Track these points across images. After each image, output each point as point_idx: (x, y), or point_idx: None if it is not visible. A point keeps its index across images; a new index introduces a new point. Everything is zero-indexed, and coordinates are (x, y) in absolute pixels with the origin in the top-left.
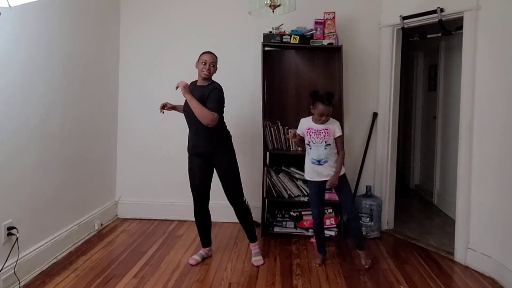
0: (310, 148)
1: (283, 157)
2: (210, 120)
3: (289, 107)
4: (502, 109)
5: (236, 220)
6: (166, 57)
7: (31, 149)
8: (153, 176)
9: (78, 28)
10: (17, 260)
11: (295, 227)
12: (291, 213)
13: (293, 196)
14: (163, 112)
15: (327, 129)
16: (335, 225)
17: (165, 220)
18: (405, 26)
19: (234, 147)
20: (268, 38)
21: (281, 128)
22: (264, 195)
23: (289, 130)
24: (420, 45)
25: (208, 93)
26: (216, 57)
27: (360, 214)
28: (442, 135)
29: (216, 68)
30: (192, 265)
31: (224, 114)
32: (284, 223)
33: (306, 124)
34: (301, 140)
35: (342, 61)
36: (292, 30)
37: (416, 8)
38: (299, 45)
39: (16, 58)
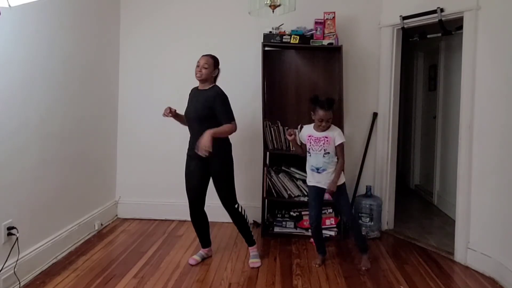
0: (310, 156)
1: (283, 157)
2: (233, 130)
3: (289, 107)
4: (502, 109)
5: None
6: (166, 57)
7: (31, 149)
8: (153, 176)
9: (78, 28)
10: (17, 260)
11: (295, 227)
12: (291, 213)
13: (293, 196)
14: (167, 115)
15: (326, 137)
16: (335, 225)
17: (165, 220)
18: (405, 26)
19: (235, 147)
20: (268, 38)
21: (281, 128)
22: (264, 195)
23: (289, 130)
24: (420, 45)
25: (211, 98)
26: (213, 59)
27: (360, 214)
28: (442, 135)
29: (214, 70)
30: (192, 265)
31: None
32: (284, 223)
33: (307, 132)
34: (299, 143)
35: (342, 61)
36: (292, 30)
37: (416, 8)
38: (299, 45)
39: (16, 58)
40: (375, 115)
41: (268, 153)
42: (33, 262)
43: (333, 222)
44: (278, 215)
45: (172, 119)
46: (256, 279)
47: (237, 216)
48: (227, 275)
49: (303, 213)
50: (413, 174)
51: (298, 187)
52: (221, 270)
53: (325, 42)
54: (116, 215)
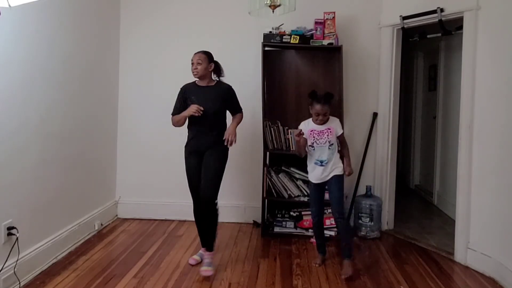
0: (314, 149)
1: (283, 157)
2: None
3: (289, 107)
4: (502, 109)
5: (236, 220)
6: (166, 57)
7: (31, 149)
8: (153, 176)
9: (78, 28)
10: (17, 260)
11: (295, 227)
12: (291, 213)
13: (293, 196)
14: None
15: (329, 129)
16: (335, 225)
17: (165, 220)
18: (405, 26)
19: (235, 146)
20: (268, 38)
21: (281, 128)
22: (264, 195)
23: (292, 130)
24: (420, 45)
25: (225, 93)
26: (206, 54)
27: (360, 214)
28: (442, 135)
29: (209, 64)
30: (192, 265)
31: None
32: (284, 223)
33: (307, 127)
34: (304, 145)
35: (342, 61)
36: (292, 30)
37: (416, 8)
38: (299, 45)
39: (16, 58)
40: (375, 115)
41: (268, 153)
42: (33, 262)
43: (333, 222)
44: (278, 215)
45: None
46: (256, 279)
47: (213, 213)
48: (227, 275)
49: (303, 213)
50: (413, 174)
51: (298, 187)
52: (221, 270)
53: (325, 42)
54: (116, 215)
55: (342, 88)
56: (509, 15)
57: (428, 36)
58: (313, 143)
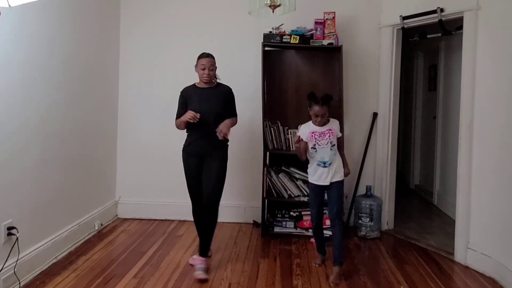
0: (316, 151)
1: (283, 157)
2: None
3: (289, 107)
4: (502, 109)
5: (236, 220)
6: (166, 57)
7: (31, 149)
8: (153, 176)
9: (78, 28)
10: (17, 260)
11: (295, 227)
12: (291, 213)
13: (293, 196)
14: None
15: (330, 129)
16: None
17: (165, 220)
18: (405, 26)
19: (235, 147)
20: (268, 38)
21: (281, 128)
22: (264, 195)
23: (292, 130)
24: (420, 45)
25: (227, 95)
26: (214, 58)
27: (360, 214)
28: (442, 135)
29: (215, 67)
30: (192, 265)
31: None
32: (284, 223)
33: (308, 129)
34: (305, 148)
35: (342, 61)
36: (292, 30)
37: (416, 8)
38: (299, 45)
39: (16, 58)
40: (375, 115)
41: (268, 153)
42: (33, 262)
43: None
44: (278, 215)
45: (172, 112)
46: (256, 279)
47: (215, 216)
48: (227, 275)
49: (303, 213)
50: (413, 174)
51: (298, 187)
52: (221, 270)
53: (325, 42)
54: (116, 215)
55: (342, 88)
56: (509, 15)
57: (428, 36)
58: (315, 145)
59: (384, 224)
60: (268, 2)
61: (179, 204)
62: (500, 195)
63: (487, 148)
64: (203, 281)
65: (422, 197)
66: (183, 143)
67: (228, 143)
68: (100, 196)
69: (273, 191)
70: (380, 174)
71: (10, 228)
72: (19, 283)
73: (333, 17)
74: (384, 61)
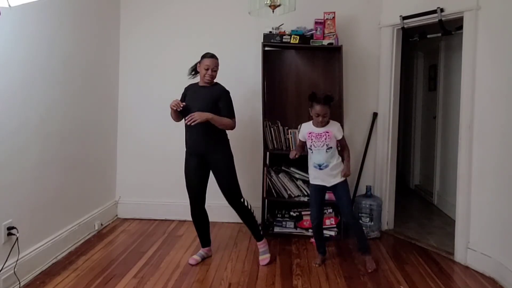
0: (312, 153)
1: (283, 157)
2: (232, 127)
3: (289, 107)
4: (502, 109)
5: (236, 220)
6: (166, 57)
7: (31, 149)
8: (153, 176)
9: (78, 28)
10: (17, 260)
11: (295, 227)
12: (291, 213)
13: (293, 196)
14: (178, 108)
15: (327, 132)
16: (335, 225)
17: (165, 220)
18: (405, 26)
19: (234, 147)
20: (268, 38)
21: (281, 128)
22: (264, 195)
23: (292, 130)
24: (420, 45)
25: (218, 94)
26: (218, 59)
27: (360, 214)
28: (442, 135)
29: (218, 68)
30: (192, 265)
31: None
32: (284, 223)
33: (307, 129)
34: (300, 152)
35: (342, 61)
36: (292, 30)
37: (416, 8)
38: (299, 45)
39: (16, 58)
40: (375, 115)
41: (268, 153)
42: (33, 262)
43: (333, 222)
44: (278, 215)
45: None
46: (256, 279)
47: (243, 210)
48: (227, 275)
49: (303, 213)
50: (413, 174)
51: (298, 187)
52: (221, 270)
53: (325, 42)
54: (116, 215)
55: (342, 88)
56: (509, 15)
57: (428, 36)
58: (311, 146)
59: (384, 224)
60: (268, 2)
61: (179, 204)
62: (500, 195)
63: (487, 148)
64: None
65: (422, 197)
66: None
67: (228, 138)
68: (100, 196)
69: (273, 191)
70: (380, 174)
71: (10, 228)
72: (19, 283)
73: (333, 17)
74: (384, 61)
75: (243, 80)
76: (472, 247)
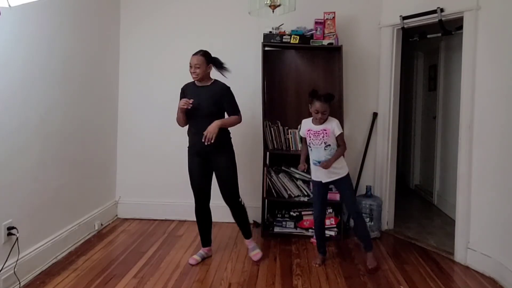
0: (311, 150)
1: (283, 157)
2: (238, 122)
3: (289, 107)
4: (502, 109)
5: None
6: (166, 57)
7: (31, 149)
8: (153, 176)
9: (78, 28)
10: (17, 260)
11: (295, 227)
12: (291, 213)
13: (293, 196)
14: (188, 106)
15: (325, 130)
16: (335, 225)
17: (165, 220)
18: (405, 26)
19: (234, 147)
20: (268, 38)
21: (281, 128)
22: (264, 195)
23: (292, 130)
24: (420, 45)
25: (219, 92)
26: (204, 56)
27: None
28: (442, 135)
29: (207, 67)
30: (192, 265)
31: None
32: (284, 223)
33: (306, 126)
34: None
35: (342, 61)
36: (292, 30)
37: (416, 8)
38: (299, 45)
39: (16, 58)
40: (375, 115)
41: (268, 153)
42: (33, 262)
43: (333, 222)
44: (278, 215)
45: (173, 112)
46: (256, 279)
47: (240, 210)
48: (227, 275)
49: (303, 213)
50: (413, 174)
51: (298, 187)
52: (221, 270)
53: (325, 42)
54: (116, 215)
55: (342, 88)
56: (509, 15)
57: (428, 36)
58: (309, 143)
59: (384, 224)
60: (268, 2)
61: (179, 204)
62: (500, 195)
63: (487, 148)
64: (207, 277)
65: (422, 197)
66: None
67: (231, 137)
68: (100, 196)
69: (273, 191)
70: (380, 174)
71: (10, 228)
72: (19, 283)
73: (333, 17)
74: (384, 61)
75: (243, 80)
76: (472, 247)
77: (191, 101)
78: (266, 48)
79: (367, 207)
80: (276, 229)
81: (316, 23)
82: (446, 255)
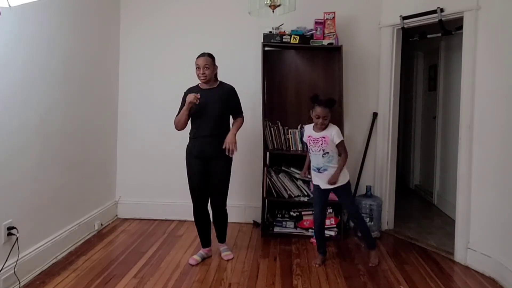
0: (311, 156)
1: (283, 157)
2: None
3: (289, 107)
4: (502, 109)
5: (236, 220)
6: (166, 57)
7: (31, 149)
8: (153, 176)
9: (78, 28)
10: (17, 260)
11: (295, 227)
12: (291, 213)
13: (293, 196)
14: (196, 102)
15: (324, 137)
16: (335, 225)
17: (165, 220)
18: (405, 26)
19: None
20: (268, 38)
21: (281, 128)
22: (264, 195)
23: (292, 131)
24: (420, 45)
25: (228, 93)
26: (211, 57)
27: None
28: (442, 135)
29: (215, 67)
30: (192, 265)
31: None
32: (284, 223)
33: (307, 132)
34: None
35: (342, 61)
36: (292, 30)
37: (416, 8)
38: (299, 45)
39: (16, 58)
40: (375, 115)
41: (268, 153)
42: (33, 262)
43: (333, 222)
44: (278, 215)
45: (172, 112)
46: (256, 279)
47: (225, 216)
48: (227, 275)
49: (303, 213)
50: (413, 174)
51: (298, 187)
52: (221, 270)
53: (325, 42)
54: (116, 215)
55: (342, 88)
56: (509, 15)
57: (428, 36)
58: (309, 150)
59: (384, 224)
60: (268, 2)
61: (179, 204)
62: (500, 195)
63: (487, 148)
64: (207, 277)
65: (422, 197)
66: (187, 144)
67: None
68: (100, 196)
69: (273, 191)
70: (380, 174)
71: (10, 228)
72: (19, 283)
73: (333, 17)
74: (384, 61)
75: (243, 80)
76: (472, 247)
77: (199, 95)
78: (266, 48)
79: (367, 207)
80: (276, 229)
81: (316, 23)
82: (446, 255)
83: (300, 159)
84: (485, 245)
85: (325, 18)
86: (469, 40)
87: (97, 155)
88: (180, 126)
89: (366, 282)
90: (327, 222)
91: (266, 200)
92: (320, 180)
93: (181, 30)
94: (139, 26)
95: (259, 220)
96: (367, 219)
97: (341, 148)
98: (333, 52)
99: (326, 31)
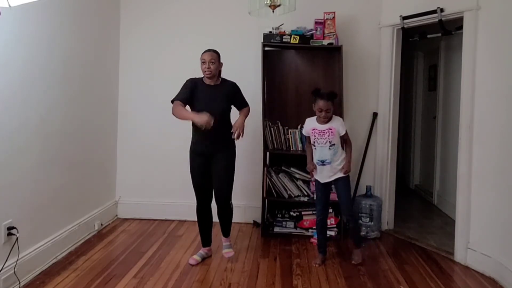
0: (315, 149)
1: (283, 157)
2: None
3: (289, 107)
4: (502, 109)
5: (236, 220)
6: (166, 57)
7: (31, 149)
8: (153, 176)
9: (78, 28)
10: (17, 260)
11: (295, 227)
12: (291, 213)
13: (293, 196)
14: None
15: (330, 129)
16: (335, 225)
17: (165, 220)
18: (405, 26)
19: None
20: (268, 38)
21: (281, 128)
22: (264, 195)
23: (292, 133)
24: (420, 45)
25: (232, 90)
26: (217, 53)
27: (360, 214)
28: (442, 135)
29: (220, 64)
30: (192, 265)
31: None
32: (284, 223)
33: (310, 125)
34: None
35: (342, 61)
36: (292, 30)
37: (416, 8)
38: (299, 45)
39: (16, 58)
40: (375, 115)
41: (268, 153)
42: (33, 262)
43: (333, 222)
44: (278, 215)
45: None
46: (256, 279)
47: (229, 211)
48: (227, 275)
49: (303, 213)
50: (413, 174)
51: (298, 187)
52: (221, 270)
53: (325, 42)
54: (116, 215)
55: (342, 88)
56: (509, 15)
57: (428, 36)
58: (314, 142)
59: (384, 224)
60: (268, 2)
61: (179, 204)
62: (500, 195)
63: (487, 148)
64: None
65: (422, 197)
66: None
67: (234, 138)
68: (100, 196)
69: (273, 191)
70: (380, 174)
71: (10, 228)
72: (19, 283)
73: (333, 17)
74: (384, 61)
75: (243, 80)
76: (472, 247)
77: (212, 121)
78: (266, 48)
79: (367, 207)
80: (276, 229)
81: (316, 23)
82: (446, 255)
83: (300, 159)
84: (485, 245)
85: (325, 18)
86: (469, 40)
87: (97, 155)
88: (177, 118)
89: (366, 282)
90: (327, 222)
91: (266, 200)
92: (321, 174)
93: (181, 30)
94: (139, 26)
95: (259, 220)
96: (367, 219)
97: (347, 137)
98: (333, 52)
99: (326, 31)
